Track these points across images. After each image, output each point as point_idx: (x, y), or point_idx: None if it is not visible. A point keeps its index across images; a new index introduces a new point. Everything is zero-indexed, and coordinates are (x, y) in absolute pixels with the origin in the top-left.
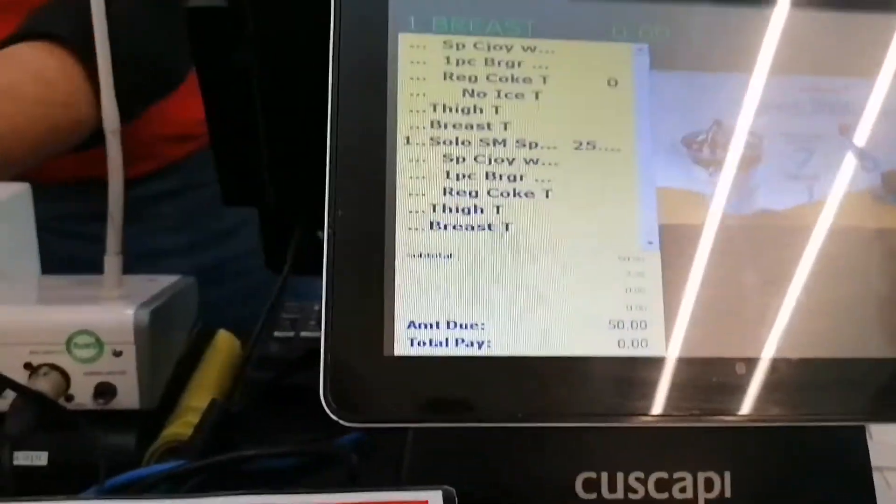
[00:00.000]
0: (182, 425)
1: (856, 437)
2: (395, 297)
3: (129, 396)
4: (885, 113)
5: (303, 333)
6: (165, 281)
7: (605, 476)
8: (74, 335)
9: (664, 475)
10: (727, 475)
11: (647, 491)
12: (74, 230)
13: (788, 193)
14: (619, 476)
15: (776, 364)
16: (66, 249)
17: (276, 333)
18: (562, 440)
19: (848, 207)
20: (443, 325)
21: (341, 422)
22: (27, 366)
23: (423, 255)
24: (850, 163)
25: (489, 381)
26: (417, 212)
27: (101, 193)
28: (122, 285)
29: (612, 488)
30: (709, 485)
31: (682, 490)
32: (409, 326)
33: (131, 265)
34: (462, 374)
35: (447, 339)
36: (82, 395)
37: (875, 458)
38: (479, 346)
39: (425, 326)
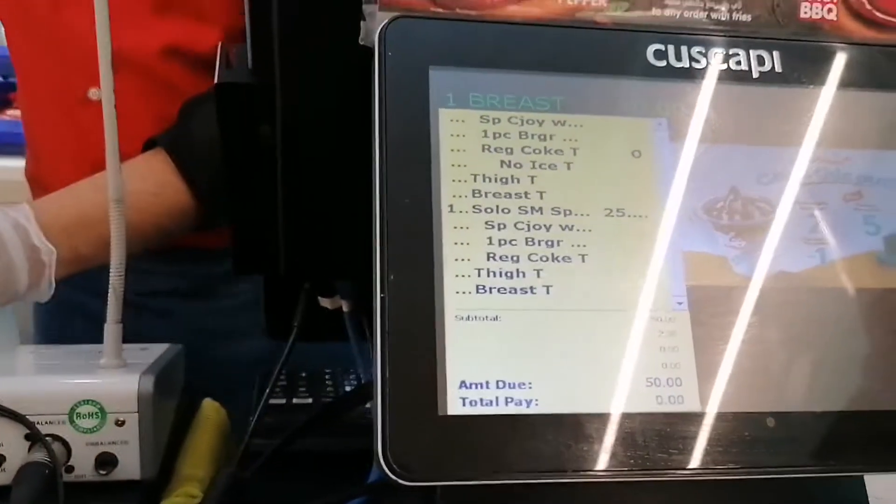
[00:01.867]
0: (182, 495)
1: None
2: (447, 358)
3: (130, 466)
4: (883, 182)
5: (294, 400)
6: (158, 349)
7: None
8: (78, 405)
9: None
10: None
11: None
12: (149, 305)
13: (801, 256)
14: None
15: (803, 417)
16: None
17: (271, 401)
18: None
19: (855, 270)
20: (492, 384)
21: (400, 481)
22: (28, 437)
23: (470, 318)
24: (854, 228)
25: (538, 437)
26: (464, 276)
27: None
28: (121, 355)
29: None
30: None
31: None
32: (460, 386)
33: (203, 343)
34: (512, 431)
35: (497, 398)
36: (83, 465)
37: None
38: (528, 405)
39: (476, 386)
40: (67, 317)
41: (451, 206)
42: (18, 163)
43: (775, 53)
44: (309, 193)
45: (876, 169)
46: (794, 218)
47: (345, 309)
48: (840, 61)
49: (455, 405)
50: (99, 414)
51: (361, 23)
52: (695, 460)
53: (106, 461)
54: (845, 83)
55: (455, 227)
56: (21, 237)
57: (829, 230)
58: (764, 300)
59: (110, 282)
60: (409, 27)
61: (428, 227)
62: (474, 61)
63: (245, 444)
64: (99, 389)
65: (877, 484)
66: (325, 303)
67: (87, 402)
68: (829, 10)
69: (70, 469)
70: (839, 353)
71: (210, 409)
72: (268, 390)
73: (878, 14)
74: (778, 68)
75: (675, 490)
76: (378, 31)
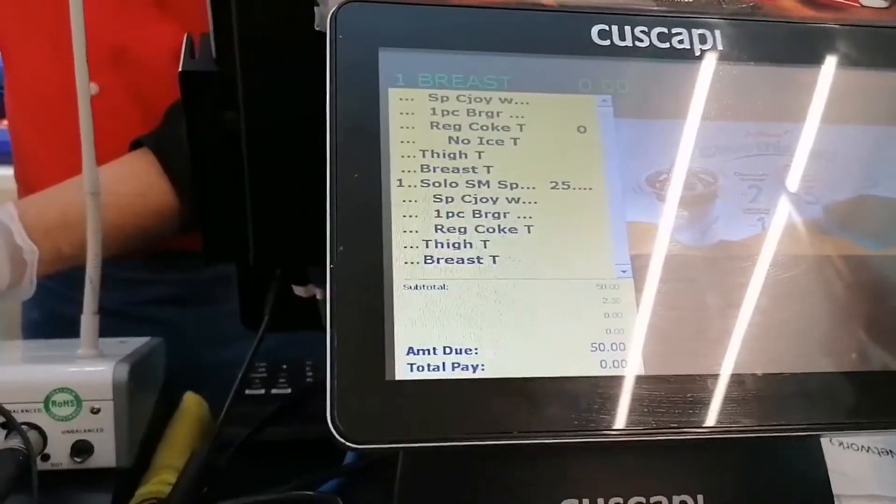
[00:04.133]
0: (158, 483)
1: (816, 460)
2: (395, 325)
3: (105, 454)
4: (820, 154)
5: (273, 391)
6: (137, 342)
7: (586, 502)
8: (53, 393)
9: (642, 499)
10: (700, 498)
11: None
12: (148, 315)
13: (743, 225)
14: (600, 501)
15: (742, 379)
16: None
17: (247, 392)
18: (545, 466)
19: (795, 237)
20: (439, 350)
21: (347, 444)
22: (3, 425)
23: (418, 287)
24: (794, 198)
25: (484, 401)
26: (412, 247)
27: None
28: (98, 345)
29: None
30: None
31: None
32: (408, 353)
33: (193, 350)
34: (459, 395)
35: (444, 364)
36: (59, 453)
37: (834, 487)
38: (474, 370)
39: (423, 352)
40: (56, 330)
41: (399, 180)
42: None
43: (717, 32)
44: (275, 178)
45: (814, 141)
46: (735, 189)
47: (318, 297)
48: (779, 39)
49: (403, 370)
50: (74, 402)
51: (315, 8)
52: (637, 422)
53: (82, 449)
54: (784, 60)
55: (404, 201)
56: (4, 236)
57: (770, 200)
58: (705, 268)
59: (87, 273)
60: (359, 11)
61: (377, 200)
62: (423, 43)
63: (217, 431)
64: (74, 377)
65: (837, 456)
66: (298, 291)
67: (62, 389)
68: None
69: (46, 457)
70: (779, 318)
71: (191, 402)
72: (240, 376)
73: None
74: (719, 46)
75: (618, 451)
76: (329, 16)
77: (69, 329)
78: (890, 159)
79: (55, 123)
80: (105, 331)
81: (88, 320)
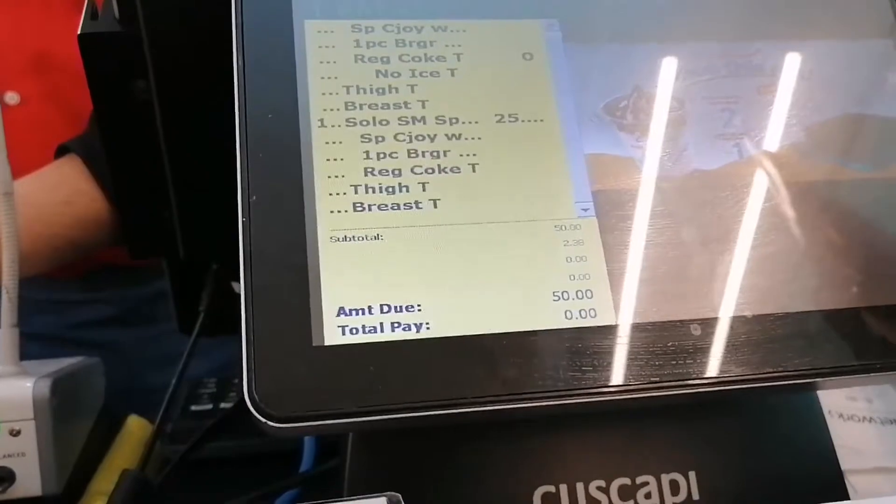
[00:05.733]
0: None
1: (819, 431)
2: (322, 283)
3: (29, 481)
4: (797, 71)
5: (222, 405)
6: (66, 361)
7: (564, 489)
8: None
9: (626, 481)
10: (692, 475)
11: (610, 500)
12: (87, 338)
13: (717, 153)
14: (580, 487)
15: (732, 322)
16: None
17: (193, 407)
18: (516, 451)
19: (776, 163)
20: (376, 309)
21: (269, 423)
22: None
23: (348, 239)
24: (772, 120)
25: (431, 365)
26: (338, 194)
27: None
28: (17, 362)
29: (574, 501)
30: (674, 487)
31: (648, 496)
32: (338, 314)
33: (136, 371)
34: (401, 359)
35: (382, 325)
36: None
37: (841, 462)
38: (418, 329)
39: (357, 312)
40: None
41: (321, 119)
42: None
43: None
44: (196, 155)
45: (789, 59)
46: (705, 113)
47: None
48: None
49: (333, 335)
50: None
51: None
52: (613, 377)
53: (2, 477)
54: None
55: (327, 143)
56: None
57: (746, 124)
58: (678, 200)
59: (2, 283)
60: None
61: (295, 143)
62: None
63: (149, 448)
64: None
65: (832, 398)
66: (238, 288)
67: None
68: None
69: None
70: (766, 252)
71: (134, 425)
72: (171, 388)
73: None
74: None
75: (596, 423)
76: None
77: None
78: (874, 74)
79: None
80: (39, 356)
81: (6, 334)
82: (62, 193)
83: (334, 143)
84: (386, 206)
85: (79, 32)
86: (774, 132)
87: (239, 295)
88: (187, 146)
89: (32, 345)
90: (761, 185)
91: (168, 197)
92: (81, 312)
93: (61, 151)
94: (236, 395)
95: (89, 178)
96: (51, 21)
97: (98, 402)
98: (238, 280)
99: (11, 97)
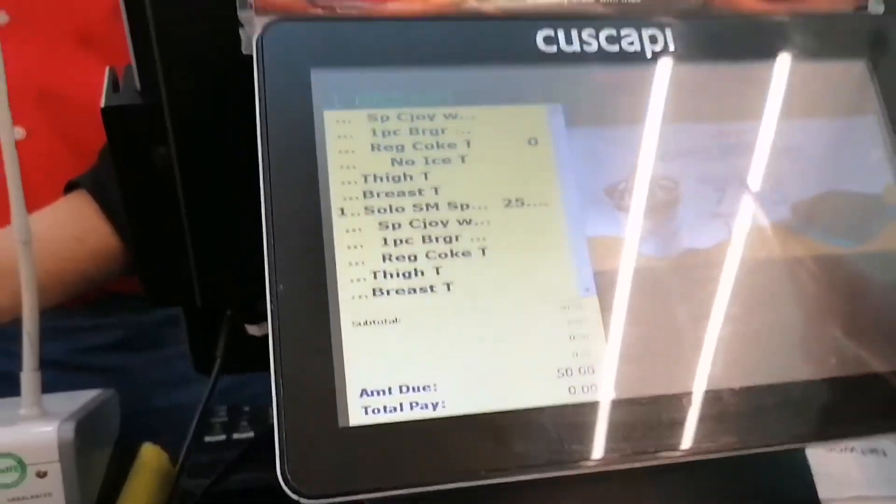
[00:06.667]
0: None
1: (800, 464)
2: (346, 366)
3: None
4: (784, 150)
5: (235, 436)
6: (86, 396)
7: None
8: None
9: None
10: None
11: None
12: (95, 363)
13: (709, 232)
14: None
15: (720, 395)
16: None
17: (207, 439)
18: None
19: (764, 240)
20: (395, 390)
21: (300, 498)
22: None
23: (368, 323)
24: (760, 198)
25: (447, 441)
26: (359, 280)
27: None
28: (41, 403)
29: None
30: None
31: None
32: (361, 395)
33: (145, 396)
34: (419, 436)
35: (401, 404)
36: None
37: (820, 491)
38: (434, 408)
39: (378, 393)
40: None
41: (341, 209)
42: None
43: (667, 32)
44: (214, 213)
45: (777, 138)
46: (697, 193)
47: None
48: (732, 35)
49: (357, 415)
50: (18, 467)
51: (240, 31)
52: (612, 449)
53: None
54: (739, 56)
55: (347, 231)
56: None
57: (734, 203)
58: (673, 279)
59: (24, 328)
60: (286, 31)
61: (318, 232)
62: (358, 60)
63: (175, 484)
64: (16, 441)
65: (821, 458)
66: (252, 330)
67: (3, 455)
68: None
69: None
70: (754, 327)
71: (149, 455)
72: (194, 425)
73: None
74: (671, 47)
75: (596, 482)
76: (255, 38)
77: (6, 384)
78: (855, 152)
79: None
80: (50, 384)
81: (29, 378)
82: (74, 229)
83: (354, 230)
84: (403, 290)
85: (102, 106)
86: (761, 210)
87: (252, 338)
88: (206, 205)
89: (43, 371)
90: (750, 263)
91: (186, 250)
92: (89, 338)
93: (70, 187)
94: (248, 425)
95: (99, 213)
96: (56, 57)
97: (115, 433)
98: (251, 323)
99: (17, 132)
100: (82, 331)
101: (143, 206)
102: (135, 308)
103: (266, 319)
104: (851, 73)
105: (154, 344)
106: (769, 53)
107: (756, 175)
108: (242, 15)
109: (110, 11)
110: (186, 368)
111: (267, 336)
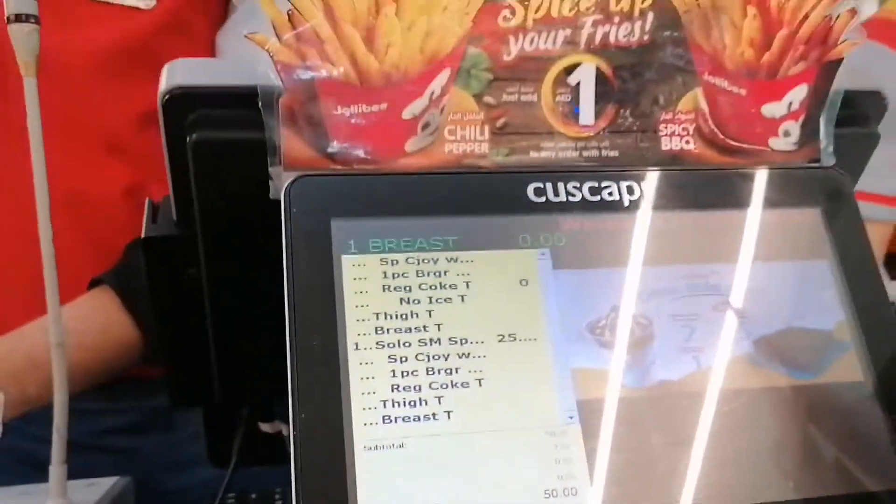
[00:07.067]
0: None
1: None
2: (358, 488)
3: None
4: (747, 290)
5: None
6: (105, 484)
7: None
8: None
9: None
10: None
11: None
12: (108, 445)
13: (680, 364)
14: None
15: None
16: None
17: None
18: None
19: (730, 372)
20: None
21: None
22: None
23: (378, 447)
24: (725, 334)
25: None
26: (370, 408)
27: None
28: (66, 495)
29: None
30: None
31: None
32: None
33: (157, 478)
34: None
35: None
36: None
37: None
38: None
39: None
40: (16, 466)
41: (356, 344)
42: None
43: (642, 183)
44: (237, 326)
45: (740, 279)
46: (669, 329)
47: (284, 433)
48: (700, 186)
49: None
50: None
51: (270, 182)
52: None
53: None
54: (706, 205)
55: (361, 364)
56: None
57: (703, 338)
58: (648, 408)
59: (54, 423)
60: (310, 184)
61: (335, 365)
62: (372, 211)
63: None
64: None
65: None
66: (265, 427)
67: None
68: (687, 142)
69: None
70: (724, 453)
71: None
72: None
73: (729, 141)
74: (645, 196)
75: None
76: (283, 189)
77: (28, 464)
78: (813, 292)
79: (12, 266)
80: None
81: (57, 471)
82: (98, 322)
83: (367, 363)
84: (409, 417)
85: (143, 236)
86: (727, 345)
87: (266, 434)
88: (231, 319)
89: (46, 449)
90: (717, 393)
91: (209, 359)
92: (103, 421)
93: (93, 284)
94: None
95: (121, 307)
96: (83, 162)
97: None
98: (264, 421)
99: None
100: (97, 413)
101: (174, 319)
102: (146, 392)
103: (277, 419)
104: (807, 220)
105: (165, 428)
106: (733, 202)
107: (721, 313)
108: (272, 170)
109: (136, 122)
110: (195, 450)
111: (278, 434)
